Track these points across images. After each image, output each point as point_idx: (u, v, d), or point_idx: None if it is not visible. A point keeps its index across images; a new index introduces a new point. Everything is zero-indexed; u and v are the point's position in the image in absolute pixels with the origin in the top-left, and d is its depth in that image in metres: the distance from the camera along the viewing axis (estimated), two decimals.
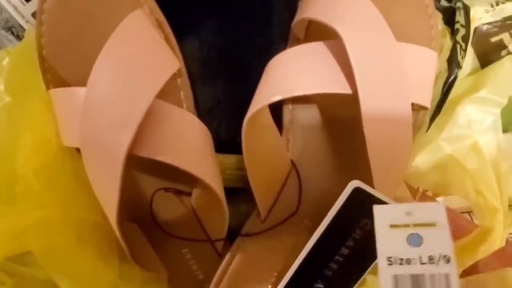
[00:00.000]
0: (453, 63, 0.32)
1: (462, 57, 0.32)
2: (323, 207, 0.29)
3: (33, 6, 0.35)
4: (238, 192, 0.34)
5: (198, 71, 0.32)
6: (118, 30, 0.27)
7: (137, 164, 0.33)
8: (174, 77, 0.30)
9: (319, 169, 0.32)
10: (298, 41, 0.33)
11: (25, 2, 0.36)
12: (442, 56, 0.32)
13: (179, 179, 0.33)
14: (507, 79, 0.32)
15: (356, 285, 0.30)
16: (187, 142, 0.27)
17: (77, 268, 0.29)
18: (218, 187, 0.28)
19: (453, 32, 0.32)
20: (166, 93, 0.28)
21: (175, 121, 0.27)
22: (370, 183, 0.27)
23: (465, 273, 0.30)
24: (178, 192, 0.33)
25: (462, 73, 0.33)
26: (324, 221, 0.29)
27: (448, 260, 0.23)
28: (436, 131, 0.32)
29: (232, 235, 0.34)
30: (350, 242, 0.29)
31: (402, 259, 0.24)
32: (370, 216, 0.28)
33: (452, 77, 0.32)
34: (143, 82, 0.25)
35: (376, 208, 0.26)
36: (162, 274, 0.33)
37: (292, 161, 0.32)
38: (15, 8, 0.35)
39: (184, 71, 0.31)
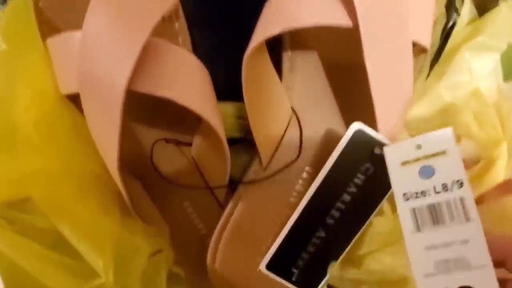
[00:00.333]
0: (451, 8, 0.32)
1: (460, 3, 0.32)
2: (325, 154, 0.28)
3: None
4: (239, 141, 0.34)
5: (196, 16, 0.32)
6: None
7: (137, 116, 0.33)
8: (171, 20, 0.30)
9: (319, 116, 0.32)
10: None
11: None
12: (440, 1, 0.32)
13: (179, 130, 0.33)
14: (506, 24, 0.31)
15: (359, 232, 0.30)
16: (187, 78, 0.27)
17: (79, 216, 0.28)
18: (218, 126, 0.28)
19: None
20: (164, 38, 0.27)
21: (174, 58, 0.26)
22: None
23: None
24: (179, 143, 0.33)
25: (461, 23, 0.33)
26: (325, 165, 0.28)
27: (461, 184, 0.24)
28: (436, 79, 0.32)
29: (234, 188, 0.34)
30: (352, 188, 0.29)
31: (417, 193, 0.25)
32: (372, 160, 0.28)
33: (451, 22, 0.32)
34: (140, 16, 0.24)
35: (387, 149, 0.26)
36: (164, 228, 0.33)
37: (292, 108, 0.32)
38: None
39: (181, 14, 0.30)
